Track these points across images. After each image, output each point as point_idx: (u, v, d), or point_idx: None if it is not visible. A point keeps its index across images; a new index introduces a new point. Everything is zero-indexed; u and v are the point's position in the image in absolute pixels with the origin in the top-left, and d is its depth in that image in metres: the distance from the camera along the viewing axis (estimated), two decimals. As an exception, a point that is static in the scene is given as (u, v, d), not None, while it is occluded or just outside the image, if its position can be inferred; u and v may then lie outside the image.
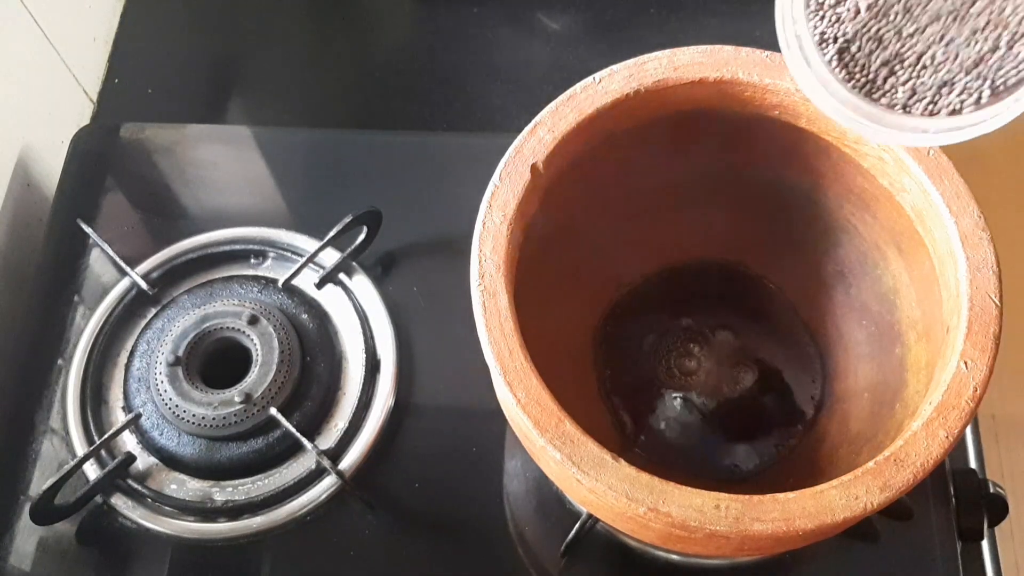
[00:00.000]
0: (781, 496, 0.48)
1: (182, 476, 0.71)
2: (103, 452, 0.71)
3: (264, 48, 0.95)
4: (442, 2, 0.96)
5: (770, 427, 0.68)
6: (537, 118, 0.57)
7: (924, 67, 0.46)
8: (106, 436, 0.70)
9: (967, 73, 0.45)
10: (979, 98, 0.45)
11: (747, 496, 0.48)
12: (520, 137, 0.57)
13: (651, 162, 0.64)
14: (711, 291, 0.72)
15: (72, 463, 0.68)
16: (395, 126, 0.89)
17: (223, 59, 0.95)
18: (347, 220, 0.74)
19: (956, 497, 0.68)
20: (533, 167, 0.56)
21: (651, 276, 0.72)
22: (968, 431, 0.71)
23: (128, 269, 0.76)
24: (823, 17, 0.46)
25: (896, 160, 0.56)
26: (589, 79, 0.58)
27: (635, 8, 0.93)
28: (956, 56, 0.45)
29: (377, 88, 0.92)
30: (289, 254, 0.78)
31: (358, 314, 0.75)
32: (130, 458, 0.71)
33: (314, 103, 0.92)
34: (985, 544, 0.68)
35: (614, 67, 0.58)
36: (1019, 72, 0.44)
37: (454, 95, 0.91)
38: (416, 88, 0.91)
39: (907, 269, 0.61)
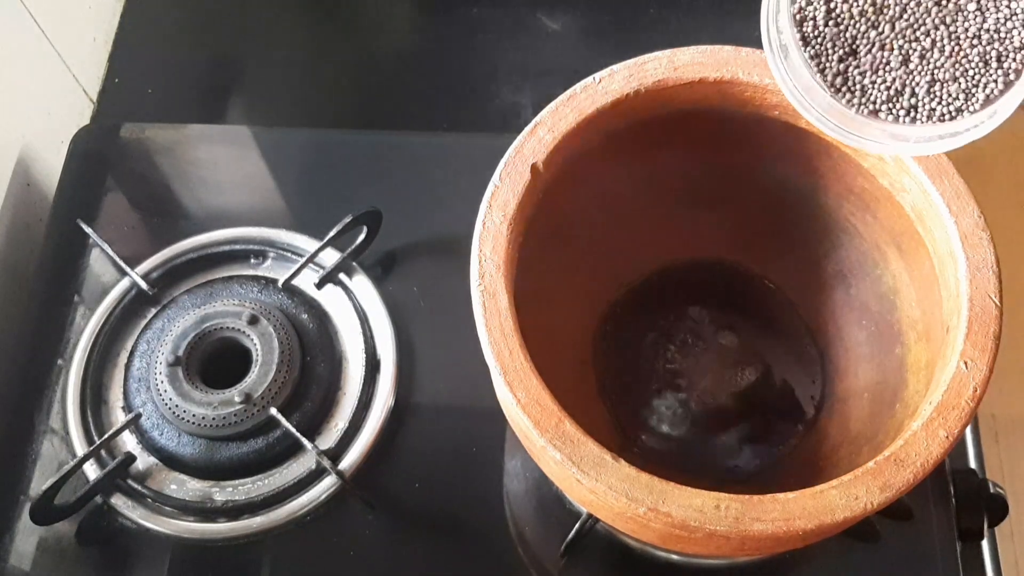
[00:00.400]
0: (781, 496, 0.48)
1: (182, 476, 0.71)
2: (103, 452, 0.71)
3: (264, 48, 0.95)
4: (442, 2, 0.96)
5: (770, 427, 0.68)
6: (537, 118, 0.57)
7: (904, 76, 0.46)
8: (106, 436, 0.70)
9: (947, 83, 0.45)
10: (960, 108, 0.45)
11: (747, 496, 0.48)
12: (520, 137, 0.57)
13: (651, 162, 0.64)
14: (711, 291, 0.72)
15: (72, 463, 0.68)
16: (395, 126, 0.89)
17: (223, 59, 0.95)
18: (347, 220, 0.74)
19: (956, 497, 0.68)
20: (533, 167, 0.56)
21: (651, 276, 0.72)
22: (968, 431, 0.71)
23: (128, 269, 0.76)
24: (809, 26, 0.46)
25: (896, 160, 0.56)
26: (589, 79, 0.58)
27: (635, 8, 0.93)
28: (935, 66, 0.45)
29: (377, 88, 0.92)
30: (289, 254, 0.78)
31: (358, 314, 0.75)
32: (130, 458, 0.71)
33: (314, 103, 0.92)
34: (985, 544, 0.68)
35: (614, 67, 0.58)
36: (998, 84, 0.44)
37: (454, 95, 0.91)
38: (416, 88, 0.91)
39: (907, 269, 0.61)
